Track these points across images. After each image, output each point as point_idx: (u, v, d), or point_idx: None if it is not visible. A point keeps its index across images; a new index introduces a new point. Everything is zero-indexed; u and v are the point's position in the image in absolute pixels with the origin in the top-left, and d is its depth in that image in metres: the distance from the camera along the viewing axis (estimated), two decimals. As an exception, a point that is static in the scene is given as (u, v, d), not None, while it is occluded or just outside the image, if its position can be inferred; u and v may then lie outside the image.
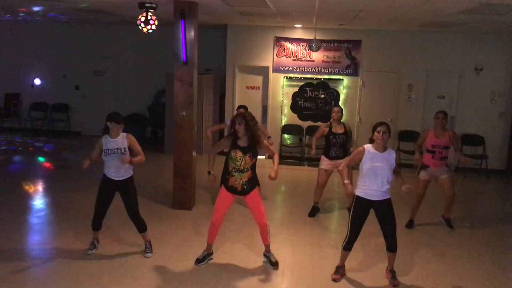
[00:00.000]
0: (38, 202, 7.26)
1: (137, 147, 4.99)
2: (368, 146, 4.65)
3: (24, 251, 5.22)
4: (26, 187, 7.95)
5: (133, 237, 5.47)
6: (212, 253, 5.16)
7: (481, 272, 5.17)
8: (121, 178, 4.93)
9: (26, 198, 7.36)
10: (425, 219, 6.88)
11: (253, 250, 5.51)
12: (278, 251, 5.53)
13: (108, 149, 4.82)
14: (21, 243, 5.46)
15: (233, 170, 4.76)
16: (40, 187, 8.15)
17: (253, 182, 4.87)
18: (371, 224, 4.81)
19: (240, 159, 4.67)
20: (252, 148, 4.72)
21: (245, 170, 4.74)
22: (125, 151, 4.86)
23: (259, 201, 4.93)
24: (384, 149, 4.58)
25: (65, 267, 4.81)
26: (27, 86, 13.46)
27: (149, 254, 5.16)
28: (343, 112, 10.55)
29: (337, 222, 6.78)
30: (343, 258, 4.85)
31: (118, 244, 5.47)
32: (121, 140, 4.87)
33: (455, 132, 6.48)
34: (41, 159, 10.37)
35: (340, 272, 4.83)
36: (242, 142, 4.73)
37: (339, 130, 6.63)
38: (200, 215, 6.71)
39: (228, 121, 6.88)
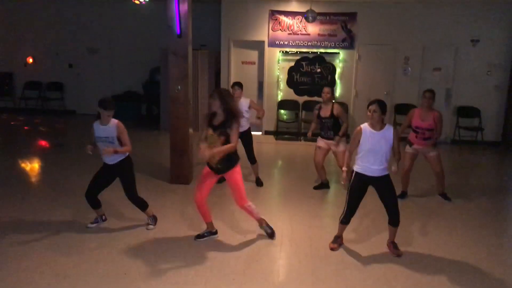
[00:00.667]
0: (36, 179, 7.25)
1: (125, 137, 4.82)
2: (365, 126, 4.56)
3: (23, 226, 5.23)
4: (23, 165, 7.93)
5: (135, 213, 5.47)
6: (215, 232, 5.05)
7: (477, 239, 5.23)
8: (114, 162, 4.87)
9: (24, 175, 7.35)
10: (420, 192, 6.92)
11: (252, 221, 5.54)
12: (276, 222, 5.57)
13: (97, 137, 4.76)
14: (20, 218, 5.46)
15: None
16: (37, 164, 8.13)
17: (228, 162, 4.61)
18: (370, 198, 4.82)
19: (210, 137, 4.50)
20: (225, 126, 4.50)
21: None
22: (113, 140, 4.76)
23: (237, 182, 4.71)
24: (381, 127, 4.50)
25: (65, 241, 4.83)
26: (20, 65, 13.31)
27: (151, 226, 5.19)
28: (337, 88, 10.58)
29: (334, 195, 6.81)
30: (341, 230, 4.88)
31: (119, 219, 5.48)
32: (112, 128, 4.74)
33: (441, 115, 6.19)
34: (37, 137, 10.32)
35: (337, 241, 4.87)
36: (216, 120, 4.57)
37: (326, 113, 6.48)
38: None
39: None
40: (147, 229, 5.15)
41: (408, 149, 6.41)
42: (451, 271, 4.42)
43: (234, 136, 4.52)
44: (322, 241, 4.98)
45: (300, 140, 10.78)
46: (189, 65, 6.73)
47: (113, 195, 5.63)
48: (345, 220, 4.76)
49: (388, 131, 4.51)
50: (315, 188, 6.91)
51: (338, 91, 10.91)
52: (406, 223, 5.58)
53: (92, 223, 5.22)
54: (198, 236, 4.97)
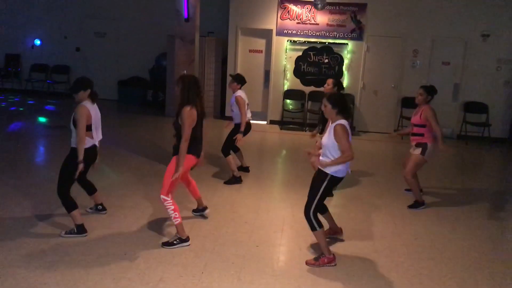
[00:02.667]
0: (40, 159, 7.27)
1: (78, 123, 4.33)
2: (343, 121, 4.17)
3: (27, 205, 5.24)
4: (29, 146, 7.95)
5: (136, 199, 5.45)
6: (205, 208, 5.16)
7: (476, 226, 5.20)
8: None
9: (29, 156, 7.36)
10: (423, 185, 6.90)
11: (252, 207, 5.54)
12: (278, 210, 5.58)
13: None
14: (25, 198, 5.47)
15: None
16: (42, 145, 8.14)
17: (176, 148, 4.42)
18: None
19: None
20: (178, 113, 4.35)
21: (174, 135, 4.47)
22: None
23: (169, 169, 4.40)
24: (332, 120, 4.18)
25: (54, 229, 4.83)
26: (27, 47, 13.32)
27: (64, 232, 4.52)
28: (344, 80, 10.48)
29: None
30: (327, 221, 4.72)
31: (119, 204, 5.47)
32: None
33: (429, 109, 5.72)
34: (42, 119, 10.33)
35: (325, 231, 4.68)
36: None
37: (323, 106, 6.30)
38: (200, 174, 6.71)
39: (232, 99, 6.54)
40: (60, 235, 4.48)
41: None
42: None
43: (185, 130, 4.26)
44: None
45: (305, 131, 10.73)
46: (195, 50, 6.71)
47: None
48: (321, 210, 4.53)
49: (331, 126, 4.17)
50: None
51: (345, 83, 10.82)
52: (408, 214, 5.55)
53: (90, 207, 5.14)
54: (194, 210, 5.16)
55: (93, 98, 4.51)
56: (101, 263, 3.98)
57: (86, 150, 4.40)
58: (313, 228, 4.18)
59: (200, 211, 5.17)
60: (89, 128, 4.43)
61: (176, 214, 4.34)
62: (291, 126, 11.05)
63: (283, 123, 11.03)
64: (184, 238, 4.41)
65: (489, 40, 10.41)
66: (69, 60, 13.16)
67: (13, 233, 4.46)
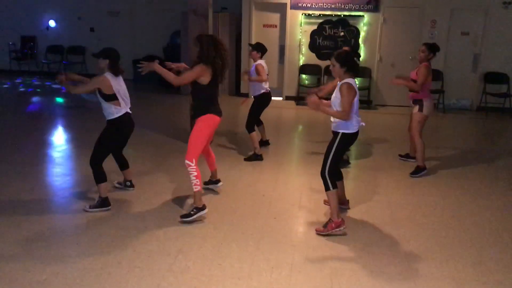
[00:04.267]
0: (59, 138, 7.37)
1: (89, 82, 4.48)
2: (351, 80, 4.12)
3: (46, 181, 5.34)
4: (46, 125, 8.06)
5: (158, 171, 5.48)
6: (218, 181, 5.15)
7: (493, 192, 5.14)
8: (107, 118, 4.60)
9: (47, 134, 7.47)
10: (439, 154, 6.81)
11: (269, 181, 5.55)
12: (296, 183, 5.59)
13: None
14: (42, 173, 5.57)
15: None
16: (59, 125, 8.24)
17: (195, 110, 4.44)
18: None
19: None
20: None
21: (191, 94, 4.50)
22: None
23: (193, 132, 4.39)
24: (340, 79, 4.12)
25: (77, 203, 4.90)
26: (42, 28, 13.39)
27: (88, 206, 4.57)
28: (361, 53, 10.31)
29: (354, 158, 6.71)
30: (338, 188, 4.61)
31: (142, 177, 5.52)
32: None
33: (426, 67, 5.69)
34: (59, 99, 10.44)
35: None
36: None
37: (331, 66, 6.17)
38: (217, 148, 6.72)
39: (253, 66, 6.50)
40: (83, 209, 4.53)
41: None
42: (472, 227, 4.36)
43: (184, 75, 4.38)
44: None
45: (321, 105, 10.61)
46: (209, 25, 6.63)
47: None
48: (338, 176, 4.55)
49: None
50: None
51: (362, 56, 10.65)
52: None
53: (118, 183, 5.19)
54: (204, 183, 5.07)
55: (116, 71, 4.50)
56: (121, 236, 4.04)
57: (120, 118, 4.52)
58: (327, 188, 4.18)
59: (212, 183, 5.15)
60: (114, 97, 4.46)
61: (197, 181, 4.32)
62: (304, 101, 10.95)
63: (299, 99, 10.95)
64: (200, 206, 4.37)
65: (510, 8, 10.11)
66: (83, 40, 13.21)
67: (36, 208, 4.56)
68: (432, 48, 5.80)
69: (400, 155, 6.62)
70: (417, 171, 5.91)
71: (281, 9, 10.80)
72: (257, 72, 6.25)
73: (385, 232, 4.30)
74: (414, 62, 10.47)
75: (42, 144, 6.84)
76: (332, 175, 4.19)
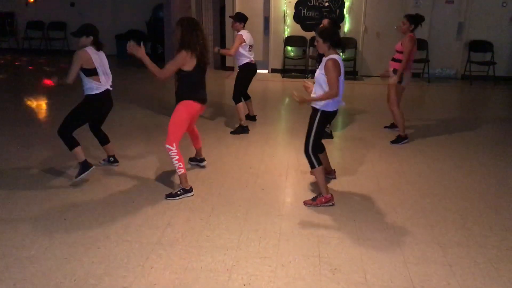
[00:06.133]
0: (43, 116, 7.27)
1: (71, 67, 4.34)
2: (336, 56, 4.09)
3: (29, 157, 5.29)
4: (29, 103, 7.94)
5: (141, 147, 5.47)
6: (202, 160, 5.10)
7: (489, 166, 5.23)
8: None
9: (31, 112, 7.36)
10: (425, 122, 6.86)
11: (258, 154, 5.57)
12: (283, 155, 5.61)
13: None
14: (27, 150, 5.51)
15: None
16: (43, 102, 8.12)
17: (177, 95, 4.39)
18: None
19: None
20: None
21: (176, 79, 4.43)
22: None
23: (172, 117, 4.29)
24: (325, 55, 4.09)
25: (64, 179, 4.88)
26: (21, 4, 13.03)
27: (75, 178, 4.55)
28: (346, 23, 10.22)
29: (339, 127, 6.75)
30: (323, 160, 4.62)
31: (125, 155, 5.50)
32: None
33: (410, 38, 5.75)
34: (41, 76, 10.26)
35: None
36: None
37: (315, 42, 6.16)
38: (203, 122, 6.70)
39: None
40: (71, 184, 4.54)
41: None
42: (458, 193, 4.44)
43: (167, 65, 4.22)
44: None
45: (308, 77, 10.60)
46: (192, -3, 6.53)
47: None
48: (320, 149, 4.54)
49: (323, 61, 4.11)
50: None
51: (346, 26, 10.59)
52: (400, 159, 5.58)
53: (103, 160, 5.16)
54: (189, 159, 5.11)
55: (98, 45, 4.45)
56: (109, 211, 4.04)
57: (99, 95, 4.47)
58: (312, 166, 4.21)
59: (197, 161, 5.12)
60: (94, 72, 4.40)
61: (180, 165, 4.27)
62: (293, 74, 10.92)
63: (285, 71, 10.89)
64: (187, 188, 4.36)
65: (494, -25, 10.07)
66: (64, 16, 12.91)
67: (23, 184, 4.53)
68: (415, 20, 5.82)
69: (385, 127, 6.66)
70: (398, 140, 5.98)
71: (265, -21, 10.64)
72: (234, 39, 6.21)
73: (371, 200, 4.36)
74: (399, 33, 10.45)
75: (27, 121, 6.75)
76: (315, 152, 4.21)
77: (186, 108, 4.31)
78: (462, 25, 10.42)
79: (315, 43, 4.17)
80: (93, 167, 4.59)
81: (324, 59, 4.07)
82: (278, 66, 11.04)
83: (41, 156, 5.37)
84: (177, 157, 4.26)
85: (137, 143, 5.92)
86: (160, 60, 11.51)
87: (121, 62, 11.71)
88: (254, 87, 6.74)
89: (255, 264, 3.28)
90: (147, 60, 4.18)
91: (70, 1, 12.87)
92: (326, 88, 4.04)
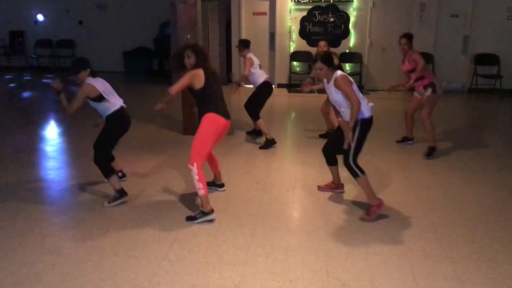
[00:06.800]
0: (51, 132, 7.33)
1: (76, 97, 4.36)
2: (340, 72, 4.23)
3: (37, 173, 5.32)
4: (38, 119, 8.02)
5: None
6: (221, 186, 4.89)
7: (497, 181, 5.18)
8: (104, 114, 4.61)
9: (39, 128, 7.43)
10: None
11: (264, 167, 5.57)
12: (290, 169, 5.61)
13: None
14: (35, 167, 5.55)
15: None
16: (51, 119, 8.19)
17: (199, 113, 4.29)
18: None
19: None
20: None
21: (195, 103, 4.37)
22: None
23: (196, 134, 4.18)
24: (329, 80, 4.21)
25: (71, 195, 4.90)
26: (30, 23, 13.25)
27: (106, 203, 4.54)
28: (351, 38, 10.31)
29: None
30: (331, 174, 4.77)
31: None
32: None
33: (414, 52, 5.87)
34: (49, 94, 10.37)
35: (327, 185, 4.85)
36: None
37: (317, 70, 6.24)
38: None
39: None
40: (103, 205, 4.51)
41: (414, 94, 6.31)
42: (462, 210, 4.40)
43: (177, 82, 4.15)
44: (335, 185, 4.97)
45: (313, 92, 10.62)
46: (198, 14, 6.59)
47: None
48: (326, 160, 4.66)
49: (332, 84, 4.18)
50: (321, 136, 6.86)
51: (352, 41, 10.65)
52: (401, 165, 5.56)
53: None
54: (209, 184, 4.72)
55: (94, 74, 4.51)
56: (116, 227, 4.04)
57: (117, 111, 4.54)
58: (355, 175, 4.22)
59: (216, 185, 4.89)
60: (102, 97, 4.45)
61: (201, 185, 4.05)
62: (299, 88, 10.92)
63: (291, 86, 10.94)
64: (207, 211, 4.12)
65: (498, -11, 10.11)
66: (72, 34, 13.10)
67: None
68: (411, 38, 5.95)
69: (397, 141, 6.62)
70: (431, 152, 5.98)
71: (270, -4, 10.76)
72: (244, 63, 6.42)
73: (380, 214, 4.33)
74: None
75: (35, 138, 6.81)
76: (356, 161, 4.22)
77: (210, 122, 4.15)
78: (468, 38, 10.44)
79: (318, 72, 4.19)
80: (127, 196, 4.59)
81: (332, 81, 4.13)
82: (284, 81, 11.09)
83: (46, 173, 5.40)
84: (197, 177, 4.05)
85: (144, 158, 5.94)
86: (167, 76, 11.68)
87: (128, 79, 11.82)
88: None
89: (263, 279, 3.26)
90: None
91: (78, 19, 13.04)
92: (349, 104, 4.10)
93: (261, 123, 6.45)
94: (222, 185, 4.91)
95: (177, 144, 6.61)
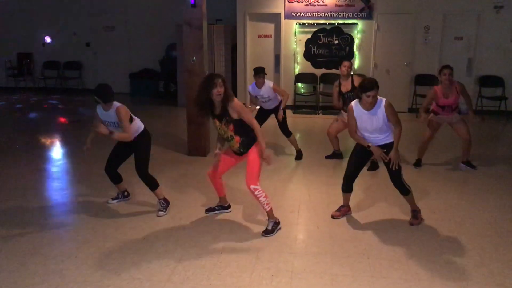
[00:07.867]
0: (55, 152, 7.35)
1: (124, 123, 4.48)
2: (355, 104, 4.32)
3: (41, 195, 5.32)
4: (43, 140, 8.05)
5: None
6: (228, 207, 4.90)
7: (500, 204, 5.12)
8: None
9: (44, 149, 7.45)
10: (435, 160, 6.81)
11: (269, 188, 5.54)
12: (294, 191, 5.58)
13: (104, 121, 4.58)
14: (39, 188, 5.55)
15: (223, 139, 4.41)
16: (56, 139, 8.23)
17: (247, 144, 4.28)
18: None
19: (219, 128, 4.26)
20: (224, 113, 4.14)
21: (230, 138, 4.24)
22: (118, 124, 4.53)
23: (252, 160, 4.26)
24: (373, 107, 4.25)
25: (75, 216, 4.89)
26: (38, 45, 13.43)
27: (161, 212, 4.77)
28: (356, 60, 10.41)
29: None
30: (344, 199, 4.77)
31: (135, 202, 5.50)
32: (112, 113, 4.51)
33: (463, 86, 6.09)
34: (56, 114, 10.44)
35: (340, 210, 4.76)
36: (217, 109, 4.16)
37: (347, 87, 6.32)
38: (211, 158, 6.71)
39: (250, 87, 6.72)
40: (157, 216, 4.72)
41: (433, 117, 6.27)
42: (470, 233, 4.34)
43: (248, 115, 4.18)
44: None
45: (318, 114, 10.66)
46: (204, 36, 6.66)
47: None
48: (345, 187, 4.65)
49: (379, 107, 4.24)
50: (327, 157, 6.86)
51: (356, 63, 10.71)
52: (421, 187, 5.51)
53: (113, 199, 5.12)
54: (209, 209, 4.83)
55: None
56: (120, 248, 4.02)
57: (144, 129, 4.80)
58: (408, 193, 4.46)
59: (223, 208, 4.88)
60: (132, 119, 4.65)
61: (267, 200, 4.31)
62: (304, 110, 10.98)
63: (296, 107, 10.96)
64: (278, 220, 4.44)
65: (502, 12, 10.17)
66: (80, 55, 13.26)
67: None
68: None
69: (414, 164, 6.57)
70: (471, 165, 6.43)
71: (275, 19, 10.86)
72: (275, 90, 6.59)
73: (385, 236, 4.29)
74: (409, 69, 10.53)
75: (39, 159, 6.82)
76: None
77: (258, 151, 4.26)
78: (472, 60, 10.47)
79: (369, 100, 4.14)
80: (169, 204, 4.89)
81: (378, 106, 4.24)
82: (289, 102, 11.06)
83: (48, 196, 5.40)
84: (263, 194, 4.28)
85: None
86: (173, 97, 11.76)
87: (134, 100, 11.89)
88: (266, 123, 6.79)
89: (267, 303, 3.21)
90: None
91: (85, 41, 13.21)
92: (389, 129, 4.34)
93: (293, 137, 6.94)
94: (229, 206, 4.91)
95: (181, 165, 6.60)
